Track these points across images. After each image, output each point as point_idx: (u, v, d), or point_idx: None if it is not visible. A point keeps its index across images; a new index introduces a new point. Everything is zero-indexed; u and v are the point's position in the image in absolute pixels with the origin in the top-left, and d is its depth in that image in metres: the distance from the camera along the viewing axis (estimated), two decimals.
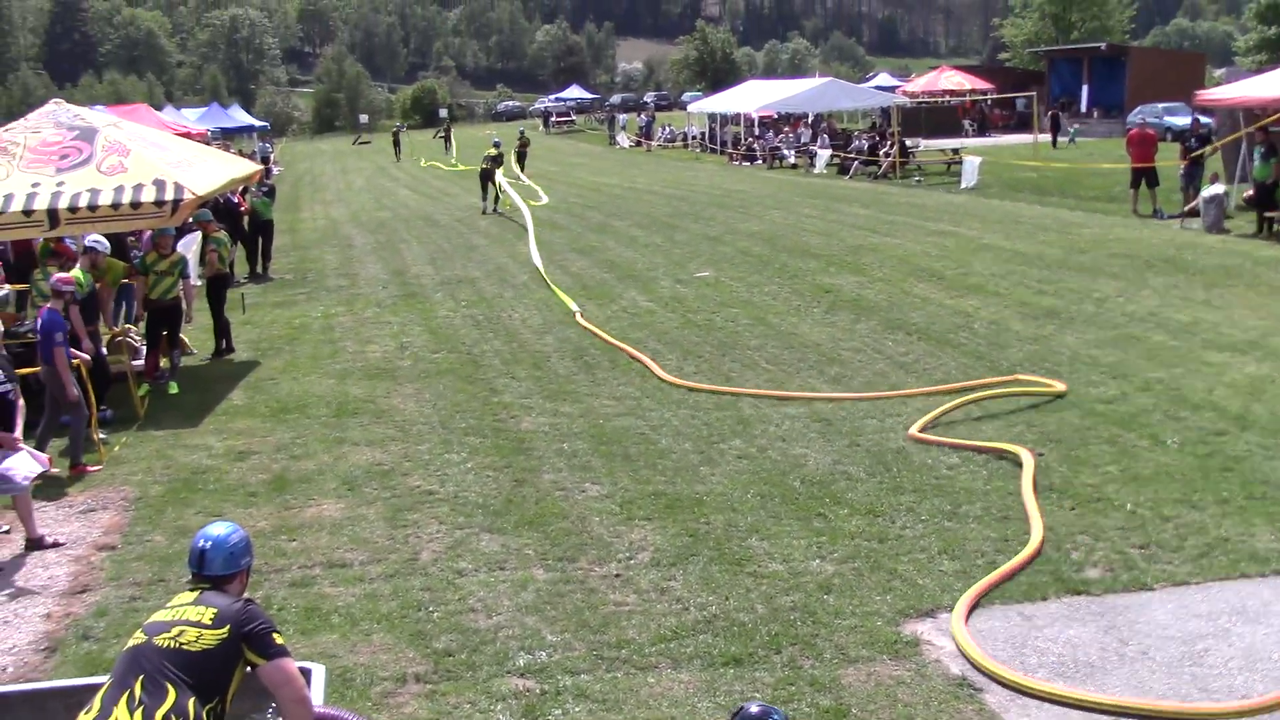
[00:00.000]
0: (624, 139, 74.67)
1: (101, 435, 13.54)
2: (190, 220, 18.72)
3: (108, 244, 15.78)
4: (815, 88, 53.45)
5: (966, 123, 64.59)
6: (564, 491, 11.14)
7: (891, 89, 73.87)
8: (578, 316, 19.30)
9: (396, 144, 76.28)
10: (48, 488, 12.10)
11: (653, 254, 26.23)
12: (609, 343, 17.33)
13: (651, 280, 22.87)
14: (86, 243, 15.39)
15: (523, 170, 49.81)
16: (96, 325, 15.22)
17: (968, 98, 68.13)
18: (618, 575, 9.17)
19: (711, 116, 63.94)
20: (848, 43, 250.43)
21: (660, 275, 23.38)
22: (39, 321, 12.70)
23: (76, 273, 14.66)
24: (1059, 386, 13.63)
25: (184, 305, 16.67)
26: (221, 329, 18.53)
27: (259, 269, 26.60)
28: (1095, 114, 63.50)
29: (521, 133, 54.78)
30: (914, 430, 12.29)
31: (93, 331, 14.70)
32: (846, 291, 20.65)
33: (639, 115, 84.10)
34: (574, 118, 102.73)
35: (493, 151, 37.16)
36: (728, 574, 9.08)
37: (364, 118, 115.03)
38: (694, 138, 66.66)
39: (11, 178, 14.99)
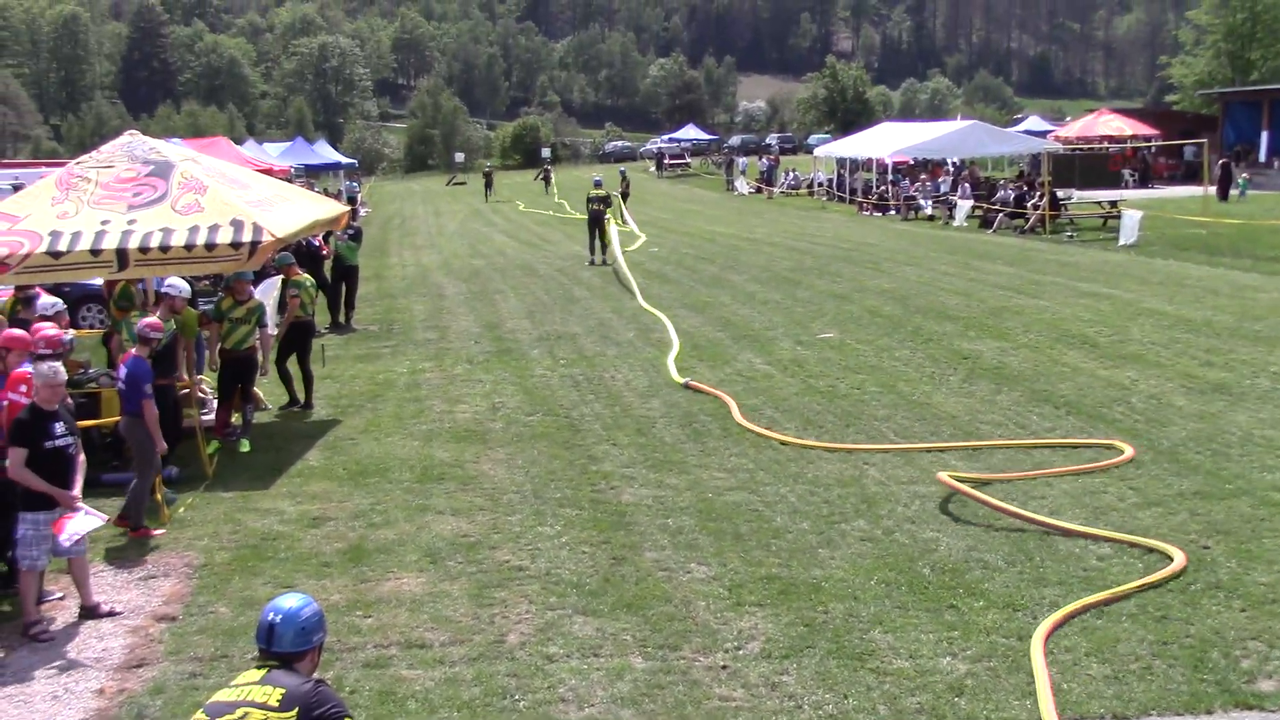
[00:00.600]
0: (743, 185, 74.86)
1: (167, 494, 13.78)
2: (270, 264, 19.09)
3: (187, 288, 16.03)
4: (957, 131, 53.26)
5: (1126, 172, 63.81)
6: (667, 572, 11.13)
7: (1042, 134, 73.52)
8: (681, 378, 19.33)
9: (488, 184, 77.87)
10: (106, 551, 12.33)
11: (771, 312, 26.22)
12: (700, 389, 17.36)
13: (770, 341, 22.86)
14: (162, 288, 15.69)
15: (623, 211, 50.38)
16: (173, 378, 15.41)
17: (1128, 145, 67.45)
18: (724, 667, 9.11)
19: (840, 161, 63.99)
20: (994, 82, 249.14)
21: (779, 336, 23.36)
22: (123, 369, 12.99)
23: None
24: (1127, 451, 14.26)
25: (259, 356, 16.98)
26: (306, 380, 18.91)
27: (341, 319, 27.04)
28: (1276, 164, 62.41)
29: (622, 173, 55.33)
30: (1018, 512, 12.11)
31: (166, 385, 14.91)
32: (987, 358, 20.47)
33: (760, 159, 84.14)
34: (689, 160, 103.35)
35: (598, 193, 37.45)
36: (847, 670, 8.99)
37: (460, 156, 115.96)
38: (820, 184, 66.69)
39: (80, 214, 15.37)
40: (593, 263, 36.40)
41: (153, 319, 13.82)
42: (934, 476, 13.63)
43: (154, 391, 12.77)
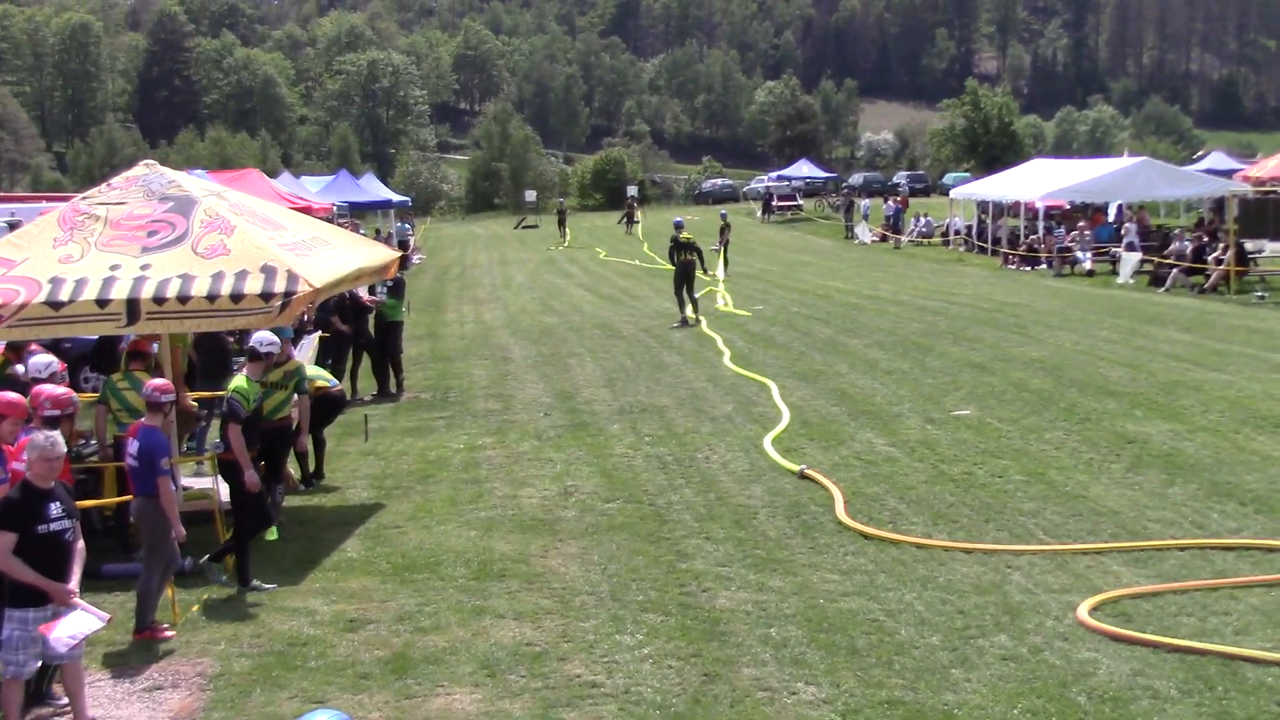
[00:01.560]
0: (865, 232, 74.79)
1: (210, 571, 13.90)
2: (307, 319, 19.33)
3: (276, 341, 16.06)
4: (1123, 170, 52.91)
5: None
6: (768, 693, 11.09)
7: (1228, 173, 72.73)
8: (804, 469, 19.32)
9: (561, 224, 78.83)
10: (105, 656, 12.44)
11: (897, 384, 26.15)
12: (815, 478, 17.33)
13: (894, 418, 22.80)
14: (261, 346, 15.71)
15: (725, 265, 50.48)
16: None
17: None
18: None
19: (982, 205, 63.72)
20: (1169, 111, 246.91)
21: (906, 412, 23.29)
22: (133, 443, 13.15)
23: (240, 381, 15.24)
24: None
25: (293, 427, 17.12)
26: (317, 447, 19.40)
27: (390, 386, 27.36)
28: None
29: (723, 215, 55.49)
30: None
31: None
32: (1157, 443, 20.27)
33: (886, 201, 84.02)
34: (801, 202, 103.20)
35: (685, 237, 37.44)
36: None
37: (531, 195, 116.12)
38: (957, 232, 66.43)
39: (87, 257, 15.57)
40: (685, 322, 36.48)
41: (162, 380, 14.00)
42: (1093, 585, 13.51)
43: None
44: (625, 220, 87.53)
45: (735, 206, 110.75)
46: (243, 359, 17.16)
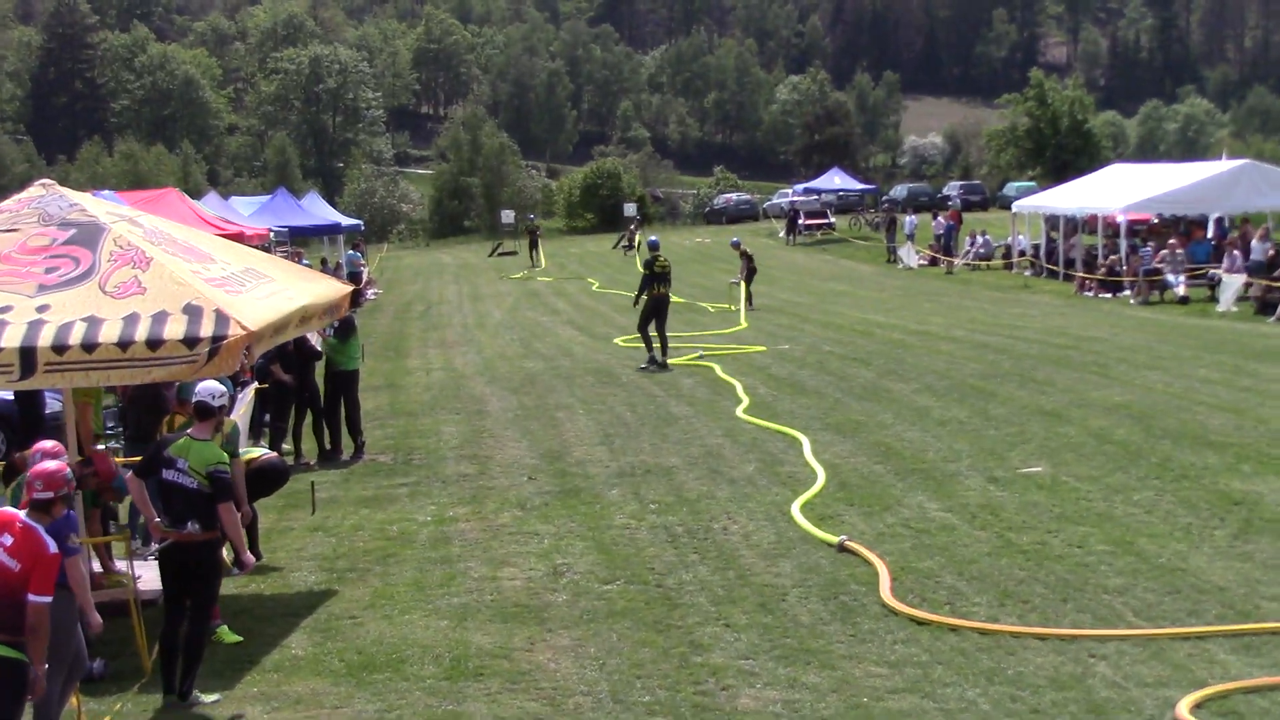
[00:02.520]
0: (911, 254, 74.80)
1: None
2: (243, 370, 19.22)
3: (225, 391, 15.97)
4: (1222, 175, 52.98)
5: None
6: None
7: None
8: (843, 540, 19.30)
9: (533, 246, 79.53)
10: None
11: (952, 436, 26.18)
12: (858, 551, 17.35)
13: (950, 478, 22.79)
14: (212, 399, 15.51)
15: (749, 296, 50.60)
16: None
17: None
18: None
19: (1051, 220, 63.66)
20: (1277, 104, 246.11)
21: (963, 470, 23.30)
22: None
23: (209, 450, 14.95)
24: None
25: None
26: (250, 525, 19.00)
27: (328, 444, 27.41)
28: None
29: (736, 245, 55.42)
30: None
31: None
32: (1270, 504, 20.23)
33: (935, 217, 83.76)
34: (833, 220, 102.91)
35: (659, 264, 37.16)
36: None
37: (508, 215, 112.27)
38: (1022, 253, 66.48)
39: None
40: (653, 362, 36.55)
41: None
42: (1196, 678, 13.49)
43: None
44: (624, 244, 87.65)
45: (754, 227, 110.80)
46: None
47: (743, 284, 52.39)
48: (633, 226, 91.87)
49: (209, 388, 15.44)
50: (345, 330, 27.39)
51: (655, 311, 37.12)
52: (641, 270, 39.24)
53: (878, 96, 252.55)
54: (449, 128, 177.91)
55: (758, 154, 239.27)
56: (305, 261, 52.24)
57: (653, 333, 36.85)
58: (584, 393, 33.43)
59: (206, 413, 15.35)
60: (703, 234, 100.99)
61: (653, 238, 42.18)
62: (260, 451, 19.79)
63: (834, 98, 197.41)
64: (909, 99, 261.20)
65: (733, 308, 50.25)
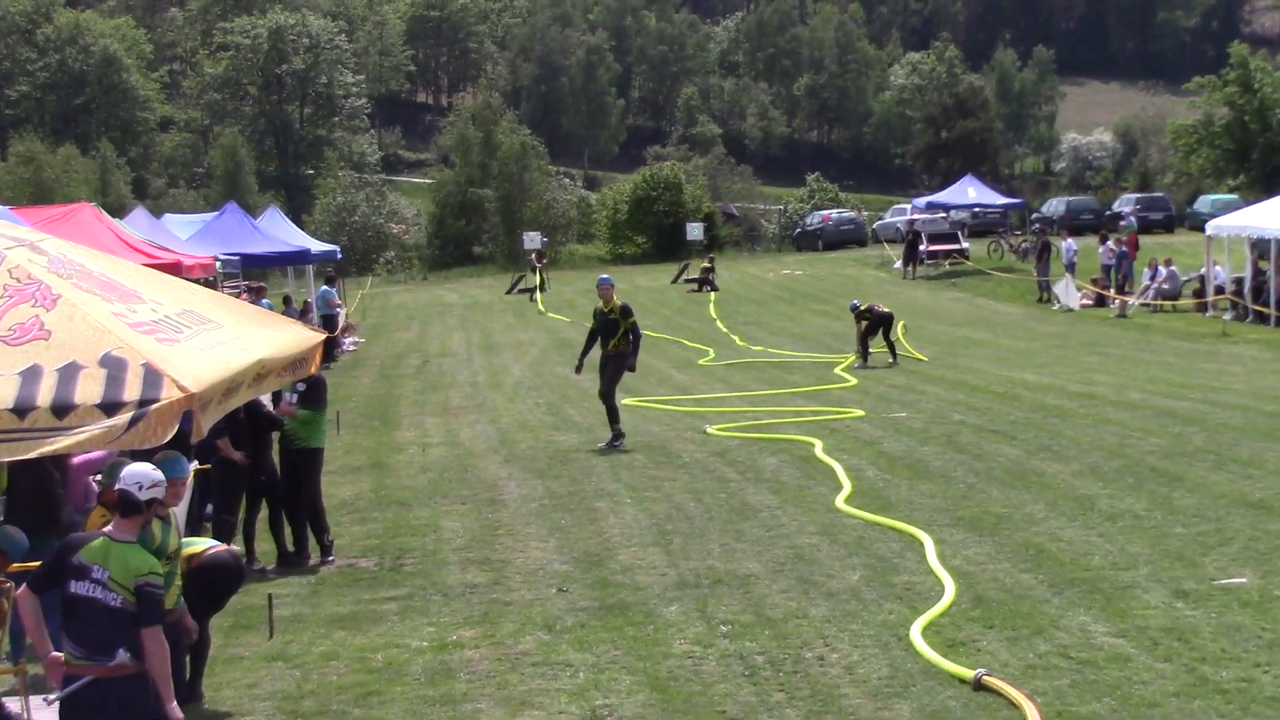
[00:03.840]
0: (1070, 291, 74.33)
1: None
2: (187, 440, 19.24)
3: (160, 480, 15.35)
4: None
5: None
6: None
7: None
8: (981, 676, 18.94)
9: (538, 284, 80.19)
10: None
11: (1126, 535, 26.01)
12: (999, 688, 17.13)
13: (1123, 591, 22.62)
14: (139, 491, 15.13)
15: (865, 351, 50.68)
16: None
17: None
18: None
19: (1259, 246, 63.35)
20: None
21: (1141, 580, 23.13)
22: None
23: (138, 557, 14.74)
24: None
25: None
26: (197, 652, 18.98)
27: (292, 546, 27.20)
28: None
29: (857, 309, 55.02)
30: None
31: None
32: None
33: (1103, 242, 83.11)
34: (966, 245, 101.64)
35: (612, 309, 36.78)
36: None
37: (532, 238, 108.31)
38: (1220, 289, 66.17)
39: None
40: (617, 440, 36.66)
41: None
42: None
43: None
44: (698, 283, 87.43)
45: (860, 254, 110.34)
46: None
47: (858, 352, 51.76)
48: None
49: (136, 473, 14.94)
50: (316, 394, 27.07)
51: (612, 376, 36.92)
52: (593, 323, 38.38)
53: (1025, 80, 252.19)
54: (454, 122, 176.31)
55: (865, 157, 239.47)
56: (265, 302, 52.23)
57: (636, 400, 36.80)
58: (632, 476, 33.30)
59: (131, 507, 14.84)
60: (791, 263, 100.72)
61: (603, 275, 41.23)
62: (204, 544, 19.60)
63: (967, 82, 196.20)
64: (1067, 83, 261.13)
65: (843, 367, 49.96)
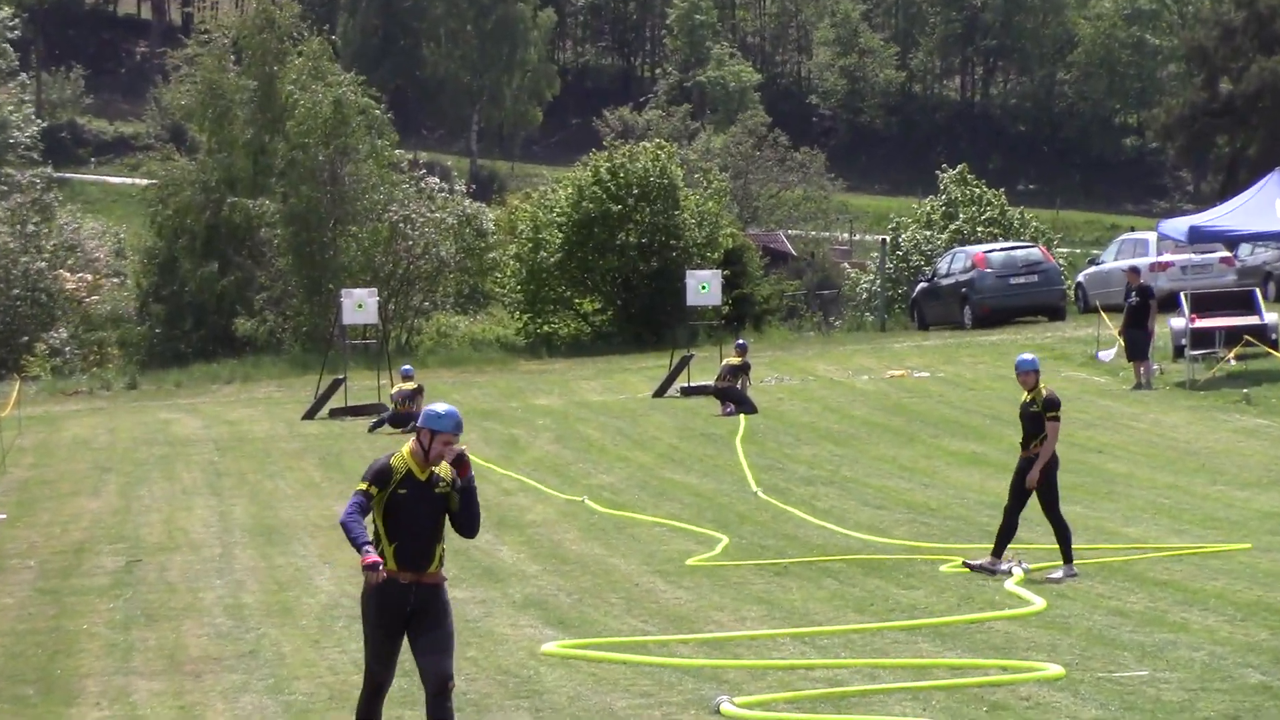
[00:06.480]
0: None
1: None
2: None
3: None
4: None
5: None
6: None
7: None
8: None
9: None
10: None
11: None
12: None
13: None
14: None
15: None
16: None
17: None
18: None
19: None
20: None
21: None
22: None
23: None
24: None
25: None
26: None
27: None
28: None
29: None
30: None
31: None
32: None
33: None
34: (1272, 318, 64.89)
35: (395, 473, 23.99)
36: None
37: (360, 300, 64.82)
38: None
39: None
40: None
41: None
42: None
43: None
44: (718, 395, 53.89)
45: (1058, 334, 72.21)
46: None
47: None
48: (742, 355, 56.05)
49: None
50: None
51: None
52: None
53: None
54: (197, 59, 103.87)
55: (1055, 137, 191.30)
56: None
57: None
58: None
59: None
60: (909, 355, 72.00)
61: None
62: None
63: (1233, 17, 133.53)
64: None
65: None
